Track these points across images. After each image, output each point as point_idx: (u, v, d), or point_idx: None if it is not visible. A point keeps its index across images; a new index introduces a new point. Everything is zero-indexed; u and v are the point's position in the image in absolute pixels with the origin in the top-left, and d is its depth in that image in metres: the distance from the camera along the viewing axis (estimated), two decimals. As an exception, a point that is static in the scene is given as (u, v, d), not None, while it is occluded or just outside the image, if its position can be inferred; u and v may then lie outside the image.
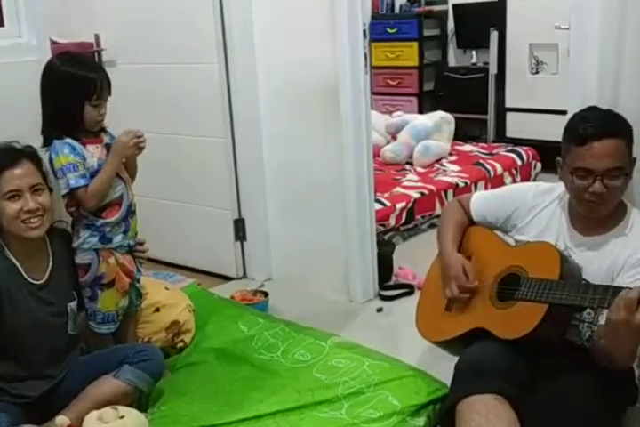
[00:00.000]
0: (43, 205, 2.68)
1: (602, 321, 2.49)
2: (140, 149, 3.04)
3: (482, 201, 2.96)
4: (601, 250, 2.56)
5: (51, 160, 2.93)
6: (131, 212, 3.13)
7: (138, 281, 3.26)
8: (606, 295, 2.31)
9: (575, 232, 2.63)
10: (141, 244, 3.19)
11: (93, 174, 2.96)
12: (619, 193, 2.51)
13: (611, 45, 3.02)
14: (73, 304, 2.90)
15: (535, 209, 2.76)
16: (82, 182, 2.91)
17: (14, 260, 2.70)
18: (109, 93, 3.01)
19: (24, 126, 3.12)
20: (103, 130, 3.10)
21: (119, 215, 3.05)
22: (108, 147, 3.05)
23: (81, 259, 3.00)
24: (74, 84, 2.92)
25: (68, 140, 2.93)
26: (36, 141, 2.92)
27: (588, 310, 2.56)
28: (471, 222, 2.98)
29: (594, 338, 2.56)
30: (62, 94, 2.94)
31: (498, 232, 2.92)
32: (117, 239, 3.07)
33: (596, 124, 2.46)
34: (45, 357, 2.79)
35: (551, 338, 2.51)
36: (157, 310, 3.49)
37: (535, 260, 2.60)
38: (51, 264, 2.82)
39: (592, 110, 2.59)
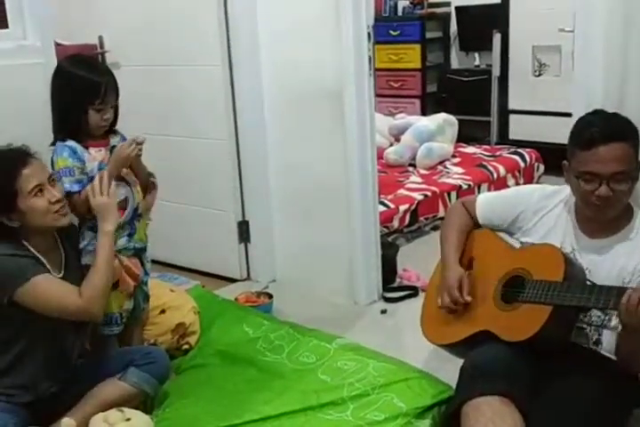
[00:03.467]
0: (62, 195, 2.74)
1: (613, 322, 2.51)
2: (138, 156, 3.04)
3: (487, 203, 2.96)
4: (608, 253, 2.56)
5: (52, 161, 2.94)
6: (137, 215, 3.12)
7: (145, 284, 3.26)
8: (610, 296, 2.32)
9: (581, 235, 2.64)
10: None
11: (91, 179, 2.95)
12: (625, 196, 2.51)
13: (616, 47, 3.02)
14: None
15: (541, 211, 2.76)
16: (76, 188, 2.91)
17: (38, 255, 2.70)
18: (116, 99, 3.00)
19: (29, 128, 3.13)
20: (113, 132, 3.10)
21: (123, 219, 3.04)
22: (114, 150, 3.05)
23: (86, 260, 3.00)
24: (77, 87, 2.92)
25: (70, 142, 2.94)
26: (41, 142, 2.92)
27: (597, 313, 2.56)
28: (475, 225, 2.98)
29: (601, 341, 2.57)
30: (66, 96, 2.95)
31: (502, 234, 2.92)
32: (122, 242, 3.06)
33: (601, 128, 2.46)
34: (58, 352, 2.82)
35: (556, 340, 2.51)
36: (163, 311, 3.50)
37: (539, 262, 2.60)
38: (64, 260, 2.84)
39: (598, 114, 2.59)
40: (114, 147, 3.04)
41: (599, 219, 2.57)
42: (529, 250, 2.73)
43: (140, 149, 3.00)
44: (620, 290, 2.31)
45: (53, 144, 2.97)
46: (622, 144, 2.43)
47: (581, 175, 2.48)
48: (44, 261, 2.71)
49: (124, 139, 3.12)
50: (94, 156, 2.99)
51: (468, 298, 2.74)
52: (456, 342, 2.78)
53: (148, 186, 3.22)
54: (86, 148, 2.98)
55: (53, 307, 2.63)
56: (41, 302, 2.61)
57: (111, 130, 3.09)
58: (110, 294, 3.01)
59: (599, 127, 2.46)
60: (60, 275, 2.77)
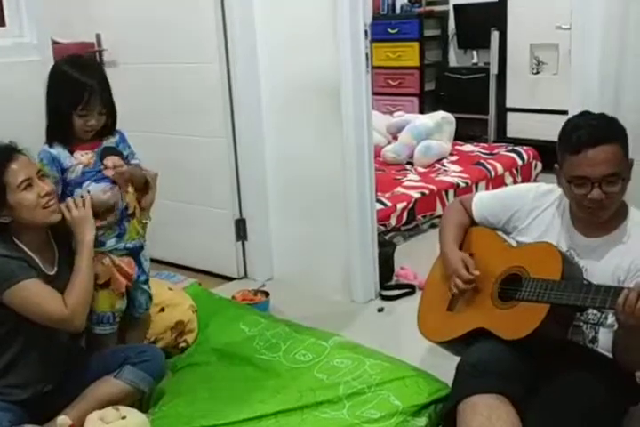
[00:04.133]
0: (52, 189, 2.73)
1: (610, 320, 2.51)
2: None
3: (483, 202, 2.96)
4: (604, 252, 2.56)
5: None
6: (127, 215, 3.09)
7: (145, 282, 3.23)
8: (607, 296, 2.31)
9: (577, 234, 2.64)
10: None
11: (77, 181, 2.93)
12: (618, 197, 2.50)
13: (612, 45, 3.03)
14: None
15: (536, 210, 2.76)
16: None
17: (30, 252, 2.70)
18: (103, 106, 2.93)
19: (25, 125, 3.12)
20: (110, 133, 3.08)
21: (111, 219, 3.02)
22: (111, 150, 3.02)
23: None
24: (64, 88, 2.89)
25: (54, 149, 2.92)
26: (37, 140, 2.91)
27: (593, 311, 2.56)
28: (472, 223, 2.98)
29: (597, 339, 2.57)
30: (54, 96, 2.92)
31: (499, 232, 2.92)
32: (110, 243, 3.04)
33: (588, 131, 2.45)
34: (52, 351, 2.81)
35: (553, 338, 2.51)
36: (162, 309, 3.50)
37: (537, 260, 2.60)
38: (57, 256, 2.83)
39: (584, 116, 2.58)
40: (105, 148, 3.02)
41: (593, 221, 2.57)
42: (526, 248, 2.73)
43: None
44: (617, 290, 2.31)
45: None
46: (611, 146, 2.42)
47: (573, 180, 2.48)
48: (37, 258, 2.71)
49: (123, 138, 3.11)
50: (79, 160, 2.96)
51: (476, 272, 2.73)
52: (452, 340, 2.78)
53: (145, 187, 3.20)
54: (72, 151, 2.95)
55: (37, 313, 2.62)
56: (26, 307, 2.60)
57: (103, 133, 3.06)
58: (101, 293, 3.02)
59: (586, 130, 2.45)
60: (53, 272, 2.77)
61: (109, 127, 3.04)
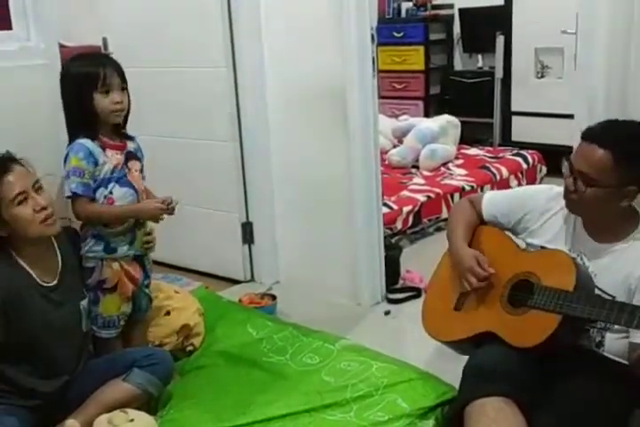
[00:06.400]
0: (48, 202, 2.68)
1: (617, 325, 2.49)
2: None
3: (494, 202, 2.95)
4: (615, 258, 2.55)
5: (66, 158, 2.92)
6: (139, 223, 3.11)
7: (147, 286, 3.26)
8: (623, 314, 2.30)
9: (588, 238, 2.62)
10: (149, 234, 3.18)
11: (102, 181, 2.95)
12: (594, 203, 2.49)
13: (617, 50, 3.03)
14: (85, 302, 2.92)
15: (548, 213, 2.75)
16: (80, 190, 2.89)
17: (25, 266, 2.68)
18: (122, 81, 2.98)
19: (32, 129, 3.13)
20: (127, 137, 3.09)
21: (126, 225, 3.05)
22: (133, 155, 3.06)
23: (85, 262, 3.01)
24: (78, 79, 2.91)
25: (89, 143, 2.91)
26: (44, 144, 2.92)
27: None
28: (481, 222, 2.97)
29: (604, 343, 2.57)
30: (71, 92, 2.94)
31: (509, 233, 2.91)
32: (123, 250, 3.06)
33: (599, 129, 2.50)
34: (62, 354, 2.80)
35: (563, 346, 2.51)
36: (168, 313, 3.50)
37: (549, 268, 2.58)
38: (60, 265, 2.82)
39: (614, 121, 2.59)
40: (129, 153, 3.06)
41: (574, 213, 2.63)
42: (538, 254, 2.72)
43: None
44: (634, 308, 2.30)
45: (70, 142, 2.95)
46: (605, 151, 2.42)
47: (567, 160, 2.55)
48: (34, 272, 2.68)
49: (139, 146, 3.15)
50: (110, 158, 2.97)
51: (491, 270, 2.72)
52: (459, 340, 2.79)
53: None
54: (103, 148, 2.96)
55: None
56: None
57: (126, 135, 3.09)
58: (108, 297, 3.04)
59: (597, 128, 2.51)
60: (54, 282, 2.76)
61: (126, 117, 3.06)
